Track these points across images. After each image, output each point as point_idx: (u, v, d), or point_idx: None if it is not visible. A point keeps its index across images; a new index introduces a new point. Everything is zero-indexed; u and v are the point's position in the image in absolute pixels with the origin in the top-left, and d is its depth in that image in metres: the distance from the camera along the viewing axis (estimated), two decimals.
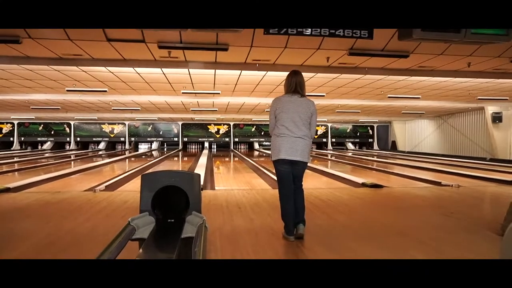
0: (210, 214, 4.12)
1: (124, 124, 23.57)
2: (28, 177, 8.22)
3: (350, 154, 20.49)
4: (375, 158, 16.67)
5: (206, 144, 23.91)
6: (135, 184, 7.07)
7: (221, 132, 24.34)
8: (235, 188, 7.04)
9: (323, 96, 11.52)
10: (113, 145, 24.09)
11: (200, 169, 10.24)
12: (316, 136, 24.20)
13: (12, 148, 22.19)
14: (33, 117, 20.39)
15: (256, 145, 24.22)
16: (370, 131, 25.40)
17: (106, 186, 6.73)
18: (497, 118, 14.97)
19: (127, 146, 23.71)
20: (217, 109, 15.71)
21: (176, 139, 24.04)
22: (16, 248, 2.95)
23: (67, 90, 10.15)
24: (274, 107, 3.25)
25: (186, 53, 6.45)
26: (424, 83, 9.57)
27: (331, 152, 21.88)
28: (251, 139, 24.54)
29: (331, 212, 4.40)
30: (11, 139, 22.70)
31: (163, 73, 8.30)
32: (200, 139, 24.21)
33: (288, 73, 3.34)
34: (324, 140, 25.29)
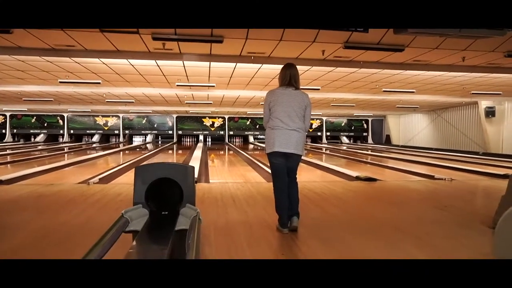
0: (204, 207, 4.12)
1: (118, 116, 23.42)
2: (21, 169, 8.13)
3: (344, 147, 20.56)
4: (369, 152, 16.74)
5: (201, 137, 23.87)
6: (129, 177, 7.04)
7: (216, 125, 24.30)
8: (229, 181, 7.04)
9: (318, 89, 11.51)
10: (107, 137, 23.93)
11: (195, 162, 10.21)
12: (311, 130, 24.28)
13: (4, 140, 21.98)
14: (26, 109, 20.19)
15: (251, 139, 24.23)
16: (365, 125, 25.52)
17: (99, 179, 6.69)
18: (490, 113, 15.08)
19: (121, 139, 23.57)
20: (212, 102, 15.64)
21: (170, 132, 23.96)
22: (10, 240, 2.93)
23: (60, 82, 10.03)
24: (268, 100, 3.24)
25: (181, 45, 6.40)
26: (418, 77, 9.61)
27: (326, 145, 21.94)
28: (246, 133, 24.55)
29: (325, 205, 4.43)
30: (4, 131, 22.48)
31: (158, 65, 8.23)
32: (194, 132, 24.15)
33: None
34: (319, 133, 25.37)
